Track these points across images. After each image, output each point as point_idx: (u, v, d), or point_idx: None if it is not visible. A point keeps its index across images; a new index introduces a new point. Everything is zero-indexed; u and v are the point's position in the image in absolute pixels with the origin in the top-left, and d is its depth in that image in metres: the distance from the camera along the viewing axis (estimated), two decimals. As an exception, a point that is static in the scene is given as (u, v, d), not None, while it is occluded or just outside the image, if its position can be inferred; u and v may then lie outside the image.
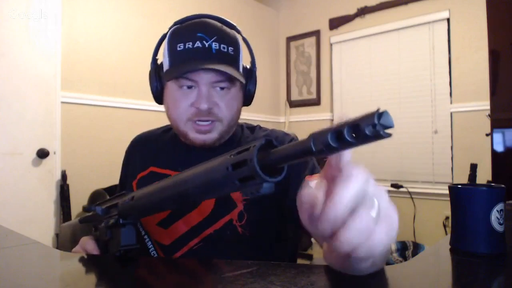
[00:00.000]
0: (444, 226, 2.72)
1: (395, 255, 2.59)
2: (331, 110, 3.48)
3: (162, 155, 0.88)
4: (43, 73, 2.00)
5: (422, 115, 2.95)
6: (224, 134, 0.81)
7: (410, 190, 2.86)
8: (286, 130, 1.51)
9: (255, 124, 0.94)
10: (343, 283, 0.46)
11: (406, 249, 2.62)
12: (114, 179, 2.11)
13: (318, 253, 2.98)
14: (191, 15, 0.82)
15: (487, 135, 1.68)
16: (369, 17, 3.22)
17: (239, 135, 0.87)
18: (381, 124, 0.26)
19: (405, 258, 2.54)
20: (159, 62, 0.84)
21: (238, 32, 0.84)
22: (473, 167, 2.23)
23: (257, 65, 0.87)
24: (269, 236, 0.80)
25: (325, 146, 0.29)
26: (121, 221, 0.59)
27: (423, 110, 2.94)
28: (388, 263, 0.48)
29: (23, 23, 1.92)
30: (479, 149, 2.43)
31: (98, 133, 2.32)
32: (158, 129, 0.97)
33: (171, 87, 0.79)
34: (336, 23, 3.40)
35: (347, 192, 0.33)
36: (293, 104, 3.73)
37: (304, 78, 3.67)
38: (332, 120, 3.48)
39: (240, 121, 0.87)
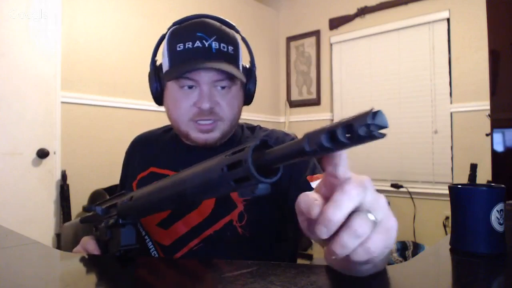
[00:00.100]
0: (444, 226, 2.72)
1: (395, 255, 2.59)
2: (331, 110, 3.48)
3: (163, 156, 0.88)
4: (43, 73, 2.00)
5: (422, 115, 2.95)
6: (226, 133, 0.81)
7: (410, 190, 2.86)
8: (286, 130, 1.51)
9: (255, 124, 0.94)
10: (343, 283, 0.46)
11: (406, 249, 2.62)
12: (114, 179, 2.11)
13: (318, 253, 2.98)
14: (190, 16, 0.82)
15: (487, 135, 1.68)
16: (369, 17, 3.22)
17: (239, 136, 0.87)
18: (375, 124, 0.26)
19: (405, 258, 2.54)
20: (158, 63, 0.84)
21: (237, 31, 0.84)
22: (473, 167, 2.23)
23: (257, 65, 0.87)
24: (269, 237, 0.80)
25: (319, 146, 0.29)
26: (120, 221, 0.59)
27: (423, 110, 2.94)
28: (388, 263, 0.48)
29: (23, 23, 1.91)
30: (479, 149, 2.43)
31: (98, 133, 2.32)
32: (158, 129, 0.97)
33: (171, 88, 0.79)
34: (336, 23, 3.40)
35: (344, 198, 0.33)
36: (293, 104, 3.73)
37: (304, 78, 3.67)
38: (332, 120, 3.48)
39: (240, 121, 0.87)
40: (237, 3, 3.36)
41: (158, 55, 0.84)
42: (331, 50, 3.49)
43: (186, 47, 0.75)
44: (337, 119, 3.45)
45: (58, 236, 2.03)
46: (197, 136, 0.78)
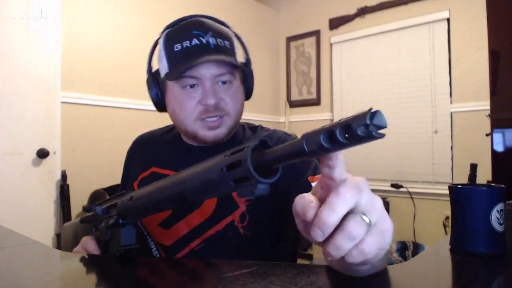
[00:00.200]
0: (444, 226, 2.72)
1: (395, 255, 2.59)
2: (331, 110, 3.48)
3: (164, 156, 0.88)
4: (43, 73, 2.00)
5: (422, 115, 2.95)
6: (232, 129, 0.81)
7: (410, 190, 2.86)
8: (286, 130, 1.51)
9: (256, 124, 0.94)
10: (343, 283, 0.46)
11: (406, 249, 2.62)
12: (114, 179, 2.12)
13: (318, 253, 2.98)
14: (181, 18, 0.82)
15: (487, 135, 1.68)
16: (369, 17, 3.22)
17: (241, 136, 0.88)
18: (374, 124, 0.26)
19: (405, 258, 2.54)
20: (154, 69, 0.84)
21: (229, 28, 0.84)
22: (473, 167, 2.23)
23: (257, 65, 0.88)
24: (270, 237, 0.80)
25: (318, 146, 0.29)
26: (120, 221, 0.59)
27: (423, 110, 2.94)
28: (388, 263, 0.48)
29: (23, 23, 1.91)
30: (479, 149, 2.43)
31: (98, 133, 2.32)
32: (159, 129, 0.97)
33: (173, 90, 0.79)
34: (336, 23, 3.40)
35: (339, 201, 0.33)
36: (293, 104, 3.73)
37: (304, 78, 3.67)
38: (332, 120, 3.48)
39: (240, 121, 0.88)
40: (237, 3, 3.36)
41: (153, 62, 0.84)
42: (331, 50, 3.49)
43: (184, 46, 0.75)
44: (337, 119, 3.45)
45: (58, 236, 2.03)
46: (206, 134, 0.78)
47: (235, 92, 0.79)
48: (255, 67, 0.88)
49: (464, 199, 0.58)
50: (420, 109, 2.95)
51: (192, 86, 0.76)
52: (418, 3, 2.94)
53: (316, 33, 3.55)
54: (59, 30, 2.08)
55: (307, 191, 0.40)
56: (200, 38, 0.76)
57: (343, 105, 3.41)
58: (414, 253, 2.55)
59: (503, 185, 0.58)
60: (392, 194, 3.01)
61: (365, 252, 0.34)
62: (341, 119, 0.28)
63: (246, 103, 0.87)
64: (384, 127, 0.26)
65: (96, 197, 2.17)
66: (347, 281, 0.45)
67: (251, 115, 3.28)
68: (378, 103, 3.13)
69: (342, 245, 0.33)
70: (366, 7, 3.20)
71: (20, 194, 1.90)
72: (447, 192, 0.61)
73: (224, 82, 0.78)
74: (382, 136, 0.27)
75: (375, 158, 3.12)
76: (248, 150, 0.34)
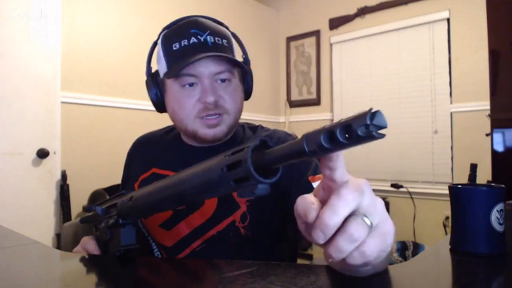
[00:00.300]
0: (444, 226, 2.72)
1: (395, 255, 2.59)
2: (331, 110, 3.48)
3: (164, 156, 0.88)
4: (43, 73, 2.00)
5: (422, 115, 2.95)
6: (232, 127, 0.81)
7: (410, 190, 2.86)
8: (286, 130, 1.51)
9: (256, 124, 0.94)
10: (343, 283, 0.46)
11: (406, 249, 2.62)
12: (114, 179, 2.12)
13: (318, 253, 2.98)
14: (178, 18, 0.82)
15: (487, 135, 1.68)
16: (369, 17, 3.22)
17: (241, 135, 0.87)
18: (374, 124, 0.26)
19: (405, 258, 2.54)
20: (153, 70, 0.85)
21: (226, 28, 0.85)
22: (473, 167, 2.23)
23: (257, 65, 0.88)
24: (270, 237, 0.80)
25: (318, 146, 0.29)
26: (120, 221, 0.59)
27: (423, 110, 2.94)
28: (389, 264, 0.48)
29: (23, 23, 1.91)
30: (479, 149, 2.43)
31: (98, 133, 2.32)
32: (160, 130, 0.97)
33: (172, 89, 0.79)
34: (336, 23, 3.40)
35: (340, 203, 0.33)
36: (293, 104, 3.73)
37: (304, 78, 3.67)
38: (332, 120, 3.48)
39: (240, 121, 0.88)
40: (237, 3, 3.36)
41: (152, 62, 0.85)
42: (331, 50, 3.49)
43: (183, 44, 0.76)
44: (337, 119, 3.45)
45: (58, 236, 2.03)
46: (205, 132, 0.78)
47: (234, 90, 0.79)
48: (255, 67, 0.88)
49: (464, 199, 0.58)
50: (420, 109, 2.95)
51: (191, 84, 0.76)
52: (418, 3, 2.94)
53: (316, 33, 3.55)
54: (59, 30, 2.08)
55: (307, 191, 0.40)
56: (198, 36, 0.76)
57: (343, 105, 3.41)
58: (414, 253, 2.55)
59: (503, 185, 0.58)
60: (392, 194, 3.01)
61: (366, 254, 0.34)
62: (341, 119, 0.28)
63: (246, 103, 0.87)
64: (384, 127, 0.26)
65: (96, 197, 2.17)
66: (347, 281, 0.45)
67: (251, 115, 3.28)
68: (378, 103, 3.13)
69: (343, 247, 0.33)
70: (366, 7, 3.21)
71: (20, 194, 1.90)
72: (447, 192, 0.61)
73: (223, 80, 0.78)
74: (382, 136, 0.27)
75: (375, 158, 3.12)
76: (249, 150, 0.34)
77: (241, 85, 0.84)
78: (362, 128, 0.26)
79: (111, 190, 2.14)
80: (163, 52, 0.79)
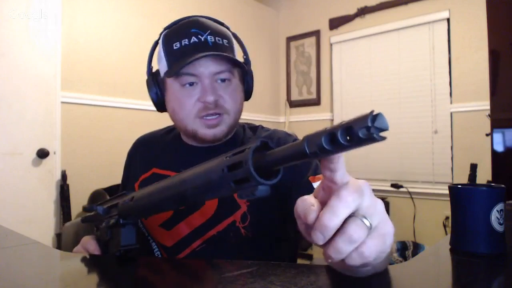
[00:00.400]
0: (444, 226, 2.72)
1: (395, 255, 2.59)
2: (331, 110, 3.48)
3: (164, 156, 0.88)
4: (43, 73, 2.00)
5: (422, 115, 2.95)
6: (232, 127, 0.81)
7: (410, 190, 2.86)
8: (286, 130, 1.51)
9: (257, 124, 0.94)
10: (343, 283, 0.46)
11: (406, 249, 2.62)
12: (114, 179, 2.12)
13: (318, 253, 2.98)
14: (179, 18, 0.82)
15: (487, 135, 1.68)
16: (369, 17, 3.22)
17: (241, 136, 0.87)
18: (375, 126, 0.26)
19: (405, 258, 2.54)
20: (154, 70, 0.85)
21: (227, 28, 0.85)
22: (473, 167, 2.23)
23: (257, 65, 0.88)
24: (271, 237, 0.80)
25: (319, 148, 0.29)
26: (121, 221, 0.59)
27: (423, 110, 2.94)
28: (389, 264, 0.48)
29: (23, 23, 1.91)
30: (479, 149, 2.43)
31: (98, 133, 2.32)
32: (160, 130, 0.97)
33: (173, 88, 0.79)
34: (336, 23, 3.40)
35: (340, 205, 0.33)
36: (293, 104, 3.73)
37: (304, 78, 3.67)
38: (332, 120, 3.48)
39: (240, 121, 0.88)
40: (237, 3, 3.36)
41: (153, 62, 0.85)
42: (331, 50, 3.49)
43: (183, 44, 0.76)
44: (337, 119, 3.45)
45: (58, 236, 2.03)
46: (205, 132, 0.78)
47: (234, 90, 0.79)
48: (255, 67, 0.88)
49: (464, 199, 0.58)
50: (420, 109, 2.95)
51: (191, 84, 0.76)
52: (418, 3, 2.94)
53: (316, 33, 3.55)
54: (59, 30, 2.08)
55: (308, 191, 0.40)
56: (199, 36, 0.76)
57: (343, 105, 3.41)
58: (414, 253, 2.55)
59: (503, 185, 0.58)
60: (392, 194, 3.01)
61: (365, 255, 0.34)
62: (342, 121, 0.28)
63: (246, 103, 0.87)
64: (385, 129, 0.26)
65: (96, 197, 2.17)
66: (347, 281, 0.45)
67: (251, 115, 3.28)
68: (378, 103, 3.13)
69: (342, 248, 0.33)
70: (366, 7, 3.21)
71: (20, 194, 1.90)
72: (447, 192, 0.61)
73: (223, 80, 0.78)
74: (383, 138, 0.27)
75: (375, 158, 3.12)
76: (250, 151, 0.34)
77: (241, 85, 0.83)
78: (363, 131, 0.26)
79: (111, 190, 2.14)
80: (163, 52, 0.79)
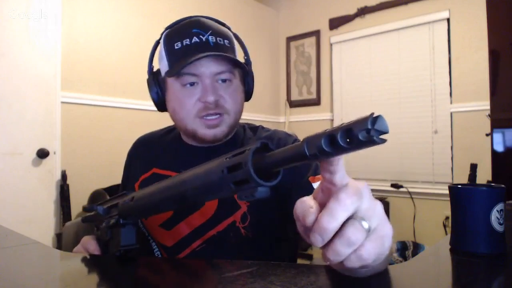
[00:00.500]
0: (444, 226, 2.72)
1: (395, 255, 2.59)
2: (331, 110, 3.48)
3: (165, 157, 0.88)
4: (43, 73, 2.00)
5: (422, 115, 2.95)
6: (232, 128, 0.81)
7: (410, 190, 2.86)
8: (286, 130, 1.51)
9: (257, 124, 0.94)
10: (343, 283, 0.46)
11: (406, 249, 2.62)
12: (114, 179, 2.12)
13: (318, 253, 2.98)
14: (180, 18, 0.82)
15: (487, 135, 1.68)
16: (369, 17, 3.22)
17: (241, 136, 0.87)
18: (375, 129, 0.26)
19: (405, 258, 2.54)
20: (155, 69, 0.85)
21: (229, 29, 0.84)
22: (473, 167, 2.23)
23: (257, 65, 0.88)
24: (271, 237, 0.80)
25: (319, 150, 0.29)
26: (121, 221, 0.59)
27: (423, 110, 2.94)
28: (388, 264, 0.48)
29: (23, 23, 1.91)
30: (479, 149, 2.43)
31: (98, 133, 2.32)
32: (160, 130, 0.97)
33: (173, 88, 0.79)
34: (336, 23, 3.40)
35: (339, 207, 0.33)
36: (293, 104, 3.73)
37: (304, 78, 3.67)
38: (332, 120, 3.48)
39: (240, 121, 0.87)
40: (237, 3, 3.36)
41: (154, 62, 0.85)
42: (331, 50, 3.49)
43: (184, 44, 0.76)
44: (337, 119, 3.45)
45: (58, 236, 2.03)
46: (205, 132, 0.78)
47: (234, 91, 0.79)
48: (255, 67, 0.88)
49: (464, 199, 0.58)
50: (420, 109, 2.95)
51: (192, 84, 0.76)
52: (418, 3, 2.94)
53: (316, 33, 3.55)
54: (59, 30, 2.08)
55: (308, 192, 0.40)
56: (200, 36, 0.76)
57: (343, 105, 3.41)
58: (414, 253, 2.55)
59: (503, 185, 0.58)
60: (392, 194, 3.01)
61: (364, 258, 0.34)
62: (342, 123, 0.28)
63: (246, 103, 0.87)
64: (385, 132, 0.26)
65: (96, 197, 2.17)
66: (347, 281, 0.45)
67: (251, 115, 3.28)
68: (378, 103, 3.13)
69: (341, 251, 0.34)
70: (366, 7, 3.21)
71: (20, 194, 1.90)
72: (447, 192, 0.61)
73: (224, 81, 0.78)
74: (383, 141, 0.27)
75: (375, 158, 3.12)
76: (249, 152, 0.34)
77: (242, 86, 0.83)
78: (363, 133, 0.26)
79: (111, 190, 2.14)
80: (164, 51, 0.79)
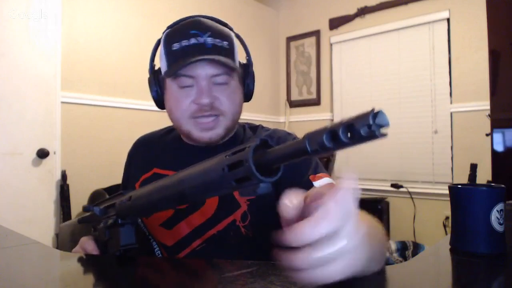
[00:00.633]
0: (444, 226, 2.72)
1: (395, 255, 2.59)
2: (331, 110, 3.48)
3: (165, 156, 0.88)
4: (43, 73, 2.00)
5: (422, 115, 2.95)
6: (229, 129, 0.81)
7: (410, 190, 2.86)
8: (286, 130, 1.51)
9: (257, 124, 0.94)
10: (343, 283, 0.46)
11: (406, 249, 2.62)
12: (114, 179, 2.12)
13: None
14: (182, 18, 0.82)
15: (487, 135, 1.68)
16: (369, 17, 3.22)
17: (241, 136, 0.87)
18: (376, 124, 0.26)
19: (405, 258, 2.54)
20: (156, 68, 0.85)
21: (230, 29, 0.84)
22: (473, 167, 2.23)
23: (257, 65, 0.87)
24: (271, 236, 0.80)
25: (320, 146, 0.29)
26: (119, 221, 0.58)
27: (423, 110, 2.94)
28: (388, 263, 0.48)
29: (23, 23, 1.91)
30: (479, 149, 2.43)
31: (98, 133, 2.32)
32: (160, 130, 0.97)
33: (171, 88, 0.79)
34: (336, 23, 3.40)
35: (314, 231, 0.33)
36: (293, 104, 3.73)
37: (304, 78, 3.67)
38: (332, 120, 3.48)
39: (240, 121, 0.87)
40: (237, 3, 3.36)
41: (156, 60, 0.85)
42: (331, 50, 3.49)
43: (182, 45, 0.76)
44: (337, 119, 3.45)
45: (58, 236, 2.03)
46: (200, 135, 0.78)
47: (232, 92, 0.79)
48: (255, 67, 0.88)
49: (464, 199, 0.58)
50: (420, 109, 2.95)
51: (189, 85, 0.77)
52: (418, 3, 2.94)
53: (316, 33, 3.55)
54: (59, 30, 2.08)
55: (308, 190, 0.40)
56: (198, 37, 0.76)
57: (343, 105, 3.41)
58: (414, 253, 2.55)
59: (503, 185, 0.58)
60: (392, 194, 3.01)
61: (325, 275, 0.33)
62: (343, 119, 0.28)
63: (246, 103, 0.87)
64: (386, 125, 0.27)
65: (96, 197, 2.17)
66: (347, 281, 0.45)
67: (251, 115, 3.28)
68: (378, 103, 3.13)
69: (308, 263, 0.33)
70: (366, 7, 3.21)
71: (20, 194, 1.90)
72: (447, 192, 0.61)
73: (221, 83, 0.77)
74: (384, 135, 0.27)
75: (375, 158, 3.12)
76: (250, 149, 0.34)
77: (241, 87, 0.83)
78: (365, 128, 0.26)
79: (111, 190, 2.14)
80: (164, 51, 0.79)
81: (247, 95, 0.85)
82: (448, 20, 2.81)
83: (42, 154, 1.96)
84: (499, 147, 1.64)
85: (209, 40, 0.76)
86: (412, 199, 2.88)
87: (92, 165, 2.27)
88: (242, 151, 0.35)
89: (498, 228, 0.55)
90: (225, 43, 0.78)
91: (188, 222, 0.78)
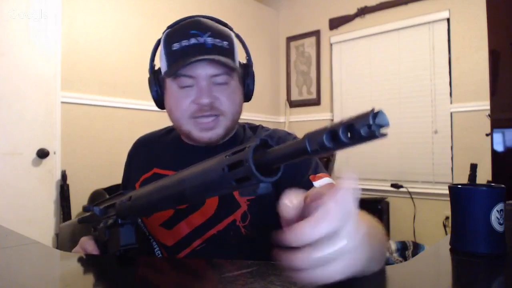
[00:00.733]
0: (444, 226, 2.72)
1: (395, 255, 2.59)
2: (331, 110, 3.48)
3: (165, 156, 0.88)
4: (43, 73, 2.00)
5: (422, 115, 2.95)
6: (229, 129, 0.81)
7: (410, 190, 2.86)
8: (286, 130, 1.51)
9: (257, 124, 0.94)
10: (343, 283, 0.46)
11: (406, 249, 2.62)
12: (114, 179, 2.12)
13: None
14: (182, 18, 0.82)
15: (487, 135, 1.68)
16: (369, 17, 3.22)
17: (241, 136, 0.87)
18: (376, 124, 0.26)
19: (405, 258, 2.54)
20: (156, 67, 0.85)
21: (231, 29, 0.84)
22: (473, 167, 2.23)
23: (257, 65, 0.87)
24: (271, 236, 0.80)
25: (320, 146, 0.29)
26: (119, 221, 0.58)
27: (423, 110, 2.94)
28: (388, 263, 0.48)
29: (23, 23, 1.91)
30: (479, 149, 2.43)
31: (98, 133, 2.32)
32: (160, 130, 0.97)
33: (171, 88, 0.79)
34: (336, 23, 3.40)
35: (315, 231, 0.33)
36: (293, 104, 3.73)
37: (304, 78, 3.67)
38: (332, 120, 3.48)
39: (240, 121, 0.87)
40: (237, 3, 3.36)
41: (156, 60, 0.85)
42: (331, 50, 3.49)
43: (182, 45, 0.76)
44: (337, 119, 3.45)
45: (58, 236, 2.03)
46: (200, 135, 0.78)
47: (232, 92, 0.79)
48: (255, 67, 0.88)
49: (464, 199, 0.58)
50: (420, 109, 2.95)
51: (189, 86, 0.77)
52: (418, 3, 2.94)
53: (316, 33, 3.55)
54: (59, 30, 2.08)
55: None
56: (198, 37, 0.76)
57: (343, 105, 3.41)
58: (414, 253, 2.55)
59: (503, 185, 0.58)
60: (392, 194, 3.01)
61: (325, 275, 0.33)
62: (343, 119, 0.28)
63: (246, 103, 0.87)
64: (386, 125, 0.27)
65: (96, 197, 2.17)
66: (347, 281, 0.45)
67: (251, 115, 3.28)
68: (378, 103, 3.13)
69: (308, 263, 0.33)
70: (366, 7, 3.21)
71: (20, 194, 1.90)
72: (447, 192, 0.61)
73: (221, 83, 0.77)
74: (384, 135, 0.27)
75: (375, 158, 3.12)
76: (250, 149, 0.34)
77: (241, 87, 0.83)
78: (365, 128, 0.26)
79: (111, 190, 2.14)
80: (164, 51, 0.79)
81: (247, 95, 0.85)
82: (448, 20, 2.81)
83: (42, 154, 1.96)
84: (499, 147, 1.64)
85: (209, 40, 0.76)
86: (412, 199, 2.88)
87: (92, 165, 2.27)
88: (242, 151, 0.35)
89: (498, 228, 0.55)
90: (225, 43, 0.78)
91: (188, 222, 0.78)
